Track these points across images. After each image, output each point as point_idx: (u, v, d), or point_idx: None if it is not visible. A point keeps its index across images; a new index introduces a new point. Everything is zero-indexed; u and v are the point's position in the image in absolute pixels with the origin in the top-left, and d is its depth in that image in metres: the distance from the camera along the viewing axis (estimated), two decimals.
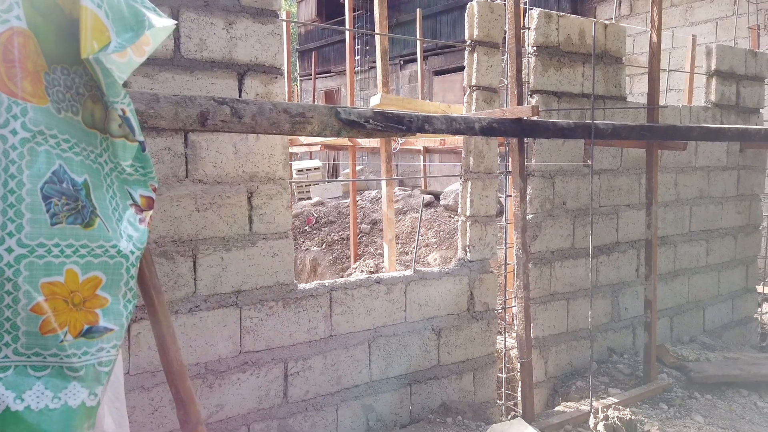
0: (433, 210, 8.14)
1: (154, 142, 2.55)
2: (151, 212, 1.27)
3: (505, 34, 3.51)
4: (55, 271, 1.13)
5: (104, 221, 1.12)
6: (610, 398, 3.57)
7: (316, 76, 14.92)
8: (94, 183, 1.15)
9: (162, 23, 1.29)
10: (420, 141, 6.71)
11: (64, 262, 1.13)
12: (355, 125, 2.47)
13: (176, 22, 1.41)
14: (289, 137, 3.07)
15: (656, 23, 3.64)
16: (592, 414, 2.92)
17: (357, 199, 9.05)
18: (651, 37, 3.70)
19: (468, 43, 3.64)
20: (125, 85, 2.42)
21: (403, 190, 10.27)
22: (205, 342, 2.74)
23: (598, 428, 2.71)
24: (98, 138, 1.20)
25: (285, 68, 3.00)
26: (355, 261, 7.49)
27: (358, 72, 10.95)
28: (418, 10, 9.44)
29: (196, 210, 2.68)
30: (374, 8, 4.04)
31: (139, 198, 1.25)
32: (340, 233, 8.76)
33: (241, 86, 2.78)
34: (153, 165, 1.31)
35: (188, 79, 2.63)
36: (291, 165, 10.51)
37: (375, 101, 4.14)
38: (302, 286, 3.06)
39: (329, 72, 17.13)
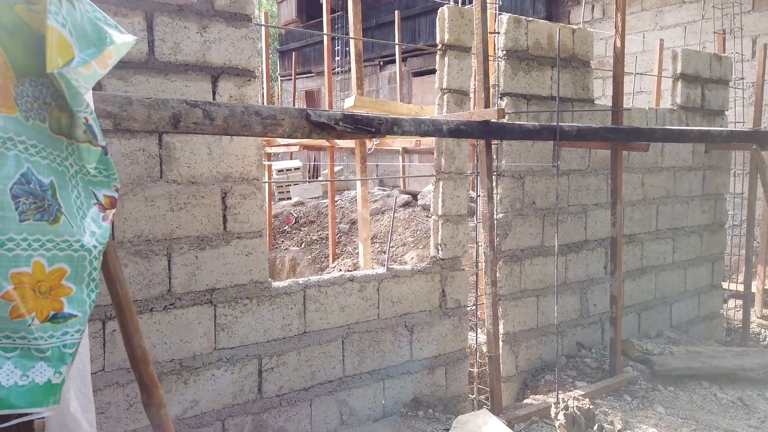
0: (411, 210, 8.25)
1: (129, 143, 2.61)
2: (113, 210, 1.37)
3: None
4: (24, 263, 1.25)
5: (69, 218, 1.23)
6: (576, 391, 3.69)
7: (297, 76, 14.94)
8: (60, 184, 1.26)
9: (122, 39, 1.41)
10: (397, 142, 6.81)
11: (31, 255, 1.25)
12: (325, 127, 2.56)
13: (136, 38, 1.51)
14: (266, 138, 3.15)
15: (620, 29, 3.78)
16: (553, 405, 3.04)
17: (336, 199, 9.13)
18: (615, 43, 3.83)
19: (439, 47, 3.74)
20: (100, 87, 2.48)
21: (383, 190, 10.37)
22: (180, 339, 2.80)
23: (558, 417, 2.84)
24: (64, 143, 1.30)
25: (260, 71, 3.07)
26: (334, 260, 7.57)
27: (337, 73, 11.02)
28: (396, 11, 9.54)
29: (170, 210, 2.73)
30: (348, 12, 4.13)
31: (102, 197, 1.35)
32: (319, 233, 8.83)
33: (215, 89, 2.84)
34: (115, 167, 1.40)
35: (162, 81, 2.69)
36: (271, 165, 10.54)
37: (349, 103, 4.23)
38: (276, 283, 3.14)
39: (310, 72, 17.15)
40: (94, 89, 2.50)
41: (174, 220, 2.75)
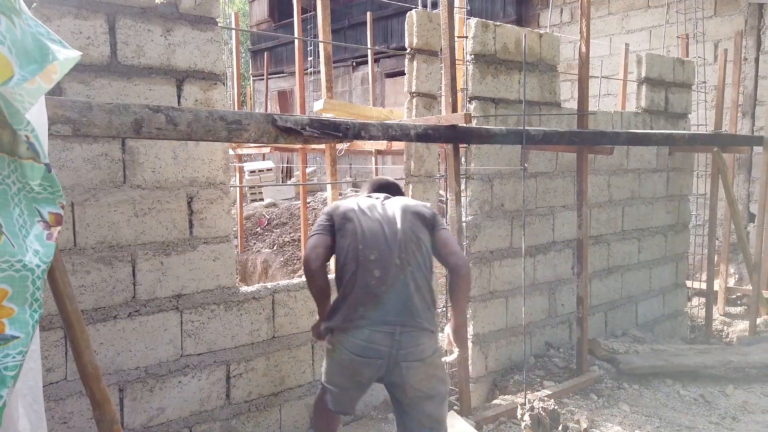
0: None
1: (91, 148, 2.56)
2: (59, 228, 1.33)
3: None
4: None
5: (10, 238, 1.20)
6: (544, 391, 3.75)
7: (270, 76, 14.82)
8: (1, 202, 1.22)
9: (66, 55, 1.37)
10: (369, 143, 6.81)
11: None
12: (292, 132, 2.55)
13: (80, 53, 1.48)
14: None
15: (585, 34, 3.85)
16: (519, 406, 3.08)
17: (309, 200, 9.09)
18: (580, 47, 3.90)
19: (408, 51, 3.76)
20: (60, 91, 2.43)
21: (356, 191, 10.37)
22: (146, 346, 2.76)
23: (524, 418, 2.88)
24: (6, 160, 1.27)
25: (231, 71, 3.05)
26: None
27: (310, 73, 10.96)
28: (368, 13, 9.54)
29: (134, 215, 2.69)
30: (317, 14, 4.12)
31: (47, 215, 1.31)
32: (291, 234, 8.78)
33: (180, 93, 2.81)
34: (59, 184, 1.38)
35: (125, 85, 2.65)
36: (243, 167, 10.44)
37: (318, 106, 4.22)
38: (244, 288, 3.12)
39: (282, 72, 17.04)
40: (54, 93, 2.46)
41: (138, 226, 2.71)
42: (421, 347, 2.31)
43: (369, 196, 2.63)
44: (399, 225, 2.41)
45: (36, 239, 1.25)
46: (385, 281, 2.31)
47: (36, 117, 1.31)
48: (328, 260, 2.50)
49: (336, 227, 2.46)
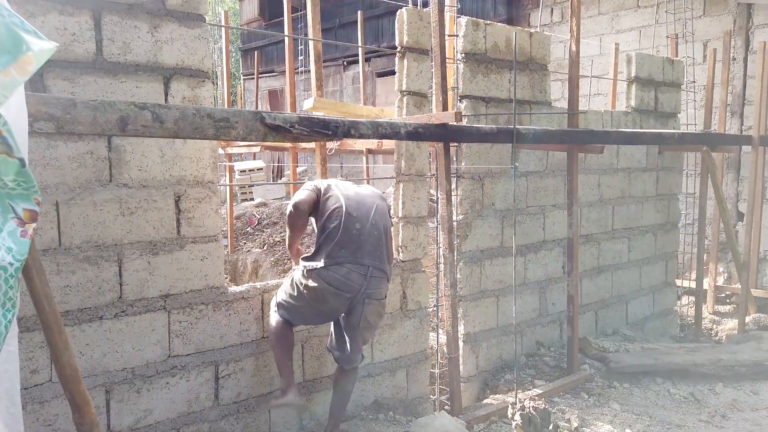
0: None
1: (76, 146, 2.52)
2: (34, 225, 1.30)
3: None
4: None
5: None
6: (535, 390, 3.75)
7: (260, 75, 14.76)
8: None
9: (41, 46, 1.33)
10: (359, 143, 6.78)
11: None
12: (280, 130, 2.52)
13: (57, 44, 1.44)
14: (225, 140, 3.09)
15: (575, 33, 3.85)
16: (510, 405, 3.08)
17: None
18: (570, 47, 3.90)
19: (398, 49, 3.74)
20: (44, 88, 2.39)
21: None
22: (132, 347, 2.72)
23: (515, 417, 2.88)
24: None
25: (221, 70, 3.01)
26: None
27: (301, 72, 10.92)
28: (359, 12, 9.51)
29: (121, 214, 2.66)
30: (307, 12, 4.09)
31: (22, 212, 1.28)
32: (282, 234, 8.73)
33: (168, 90, 2.77)
34: (34, 180, 1.34)
35: (111, 82, 2.61)
36: (233, 166, 10.38)
37: (308, 104, 4.19)
38: (233, 288, 3.09)
39: (273, 72, 16.96)
40: (38, 90, 2.42)
41: (125, 225, 2.67)
42: (381, 289, 2.95)
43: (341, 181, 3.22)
44: (371, 199, 3.04)
45: (9, 236, 1.21)
46: (363, 232, 2.89)
47: (14, 111, 1.28)
48: (311, 213, 3.04)
49: (322, 192, 3.01)
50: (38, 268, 1.54)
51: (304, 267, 2.91)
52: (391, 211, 3.24)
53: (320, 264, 2.83)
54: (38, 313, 1.70)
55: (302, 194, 3.01)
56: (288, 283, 3.02)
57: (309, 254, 2.96)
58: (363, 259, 2.85)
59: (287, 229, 3.20)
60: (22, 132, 1.35)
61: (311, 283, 2.84)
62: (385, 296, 3.01)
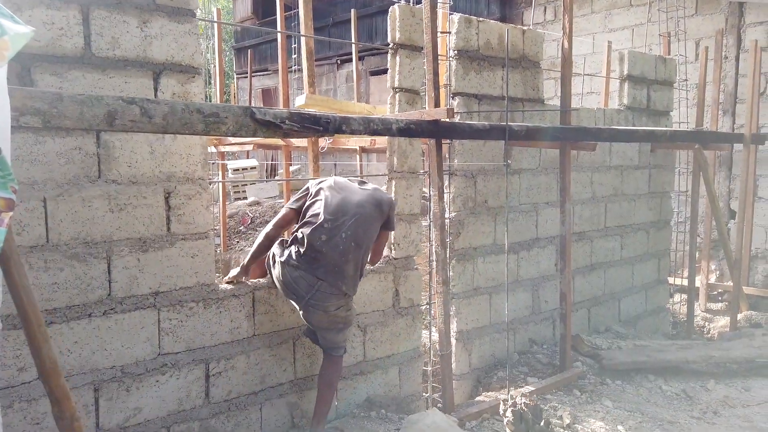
0: None
1: (63, 141, 2.50)
2: (11, 213, 1.28)
3: None
4: None
5: None
6: (527, 387, 3.75)
7: (254, 74, 14.70)
8: None
9: (17, 30, 1.31)
10: (352, 141, 6.76)
11: None
12: (270, 126, 2.50)
13: (34, 29, 1.41)
14: (217, 137, 3.07)
15: (568, 31, 3.84)
16: (502, 402, 3.07)
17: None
18: (563, 44, 3.90)
19: (390, 46, 3.72)
20: (32, 83, 2.36)
21: None
22: (122, 345, 2.70)
23: (506, 414, 2.87)
24: None
25: (215, 68, 3.00)
26: None
27: (294, 71, 10.89)
28: (353, 10, 9.48)
29: (110, 211, 2.63)
30: (299, 10, 4.07)
31: None
32: None
33: (157, 85, 2.75)
34: (11, 168, 1.32)
35: (100, 77, 2.58)
36: (226, 164, 10.34)
37: (300, 101, 4.17)
38: (224, 286, 3.06)
39: (266, 70, 16.90)
40: (25, 84, 2.39)
41: (114, 222, 2.65)
42: (326, 303, 2.93)
43: (350, 180, 3.24)
44: (358, 208, 2.99)
45: None
46: (327, 244, 2.90)
47: None
48: (286, 230, 3.18)
49: (310, 195, 3.08)
50: (15, 259, 1.51)
51: (274, 253, 3.04)
52: (394, 211, 3.18)
53: (283, 258, 2.97)
54: (16, 306, 1.67)
55: (287, 213, 3.12)
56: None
57: (285, 241, 3.08)
58: (316, 272, 2.89)
59: (255, 241, 3.17)
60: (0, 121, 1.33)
61: (275, 270, 3.02)
62: (338, 308, 2.98)
